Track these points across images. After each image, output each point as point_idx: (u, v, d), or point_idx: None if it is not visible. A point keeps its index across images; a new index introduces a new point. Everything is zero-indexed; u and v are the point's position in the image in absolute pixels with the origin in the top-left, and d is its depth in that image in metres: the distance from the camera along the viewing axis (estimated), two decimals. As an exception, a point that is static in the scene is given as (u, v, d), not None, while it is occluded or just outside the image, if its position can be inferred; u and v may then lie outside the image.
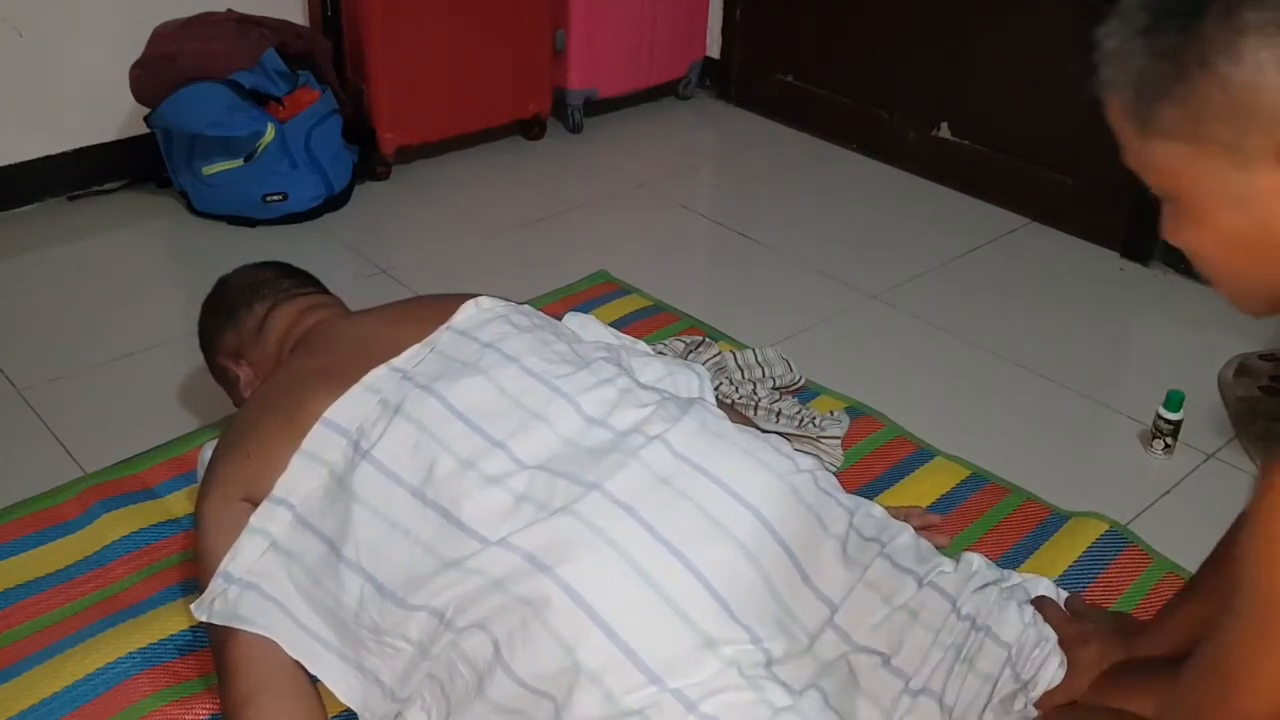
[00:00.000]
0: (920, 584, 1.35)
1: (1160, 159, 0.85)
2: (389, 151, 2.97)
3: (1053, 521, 1.76)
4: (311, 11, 3.00)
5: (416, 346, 1.46)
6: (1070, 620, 1.36)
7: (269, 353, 1.63)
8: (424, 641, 1.24)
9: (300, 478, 1.36)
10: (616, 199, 3.02)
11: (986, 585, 1.37)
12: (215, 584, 1.33)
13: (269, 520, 1.35)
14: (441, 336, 1.48)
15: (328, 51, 2.85)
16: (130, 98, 2.67)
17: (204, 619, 1.33)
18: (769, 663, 1.22)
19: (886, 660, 1.29)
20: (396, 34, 2.86)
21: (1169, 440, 1.97)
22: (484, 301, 1.55)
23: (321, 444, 1.37)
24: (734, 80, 3.57)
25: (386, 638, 1.26)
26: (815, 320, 2.42)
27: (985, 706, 1.28)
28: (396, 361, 1.44)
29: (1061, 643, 1.32)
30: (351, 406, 1.39)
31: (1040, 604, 1.39)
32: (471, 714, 1.20)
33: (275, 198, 2.70)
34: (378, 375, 1.42)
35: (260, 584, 1.33)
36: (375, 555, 1.28)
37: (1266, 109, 0.79)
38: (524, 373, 1.40)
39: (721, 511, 1.26)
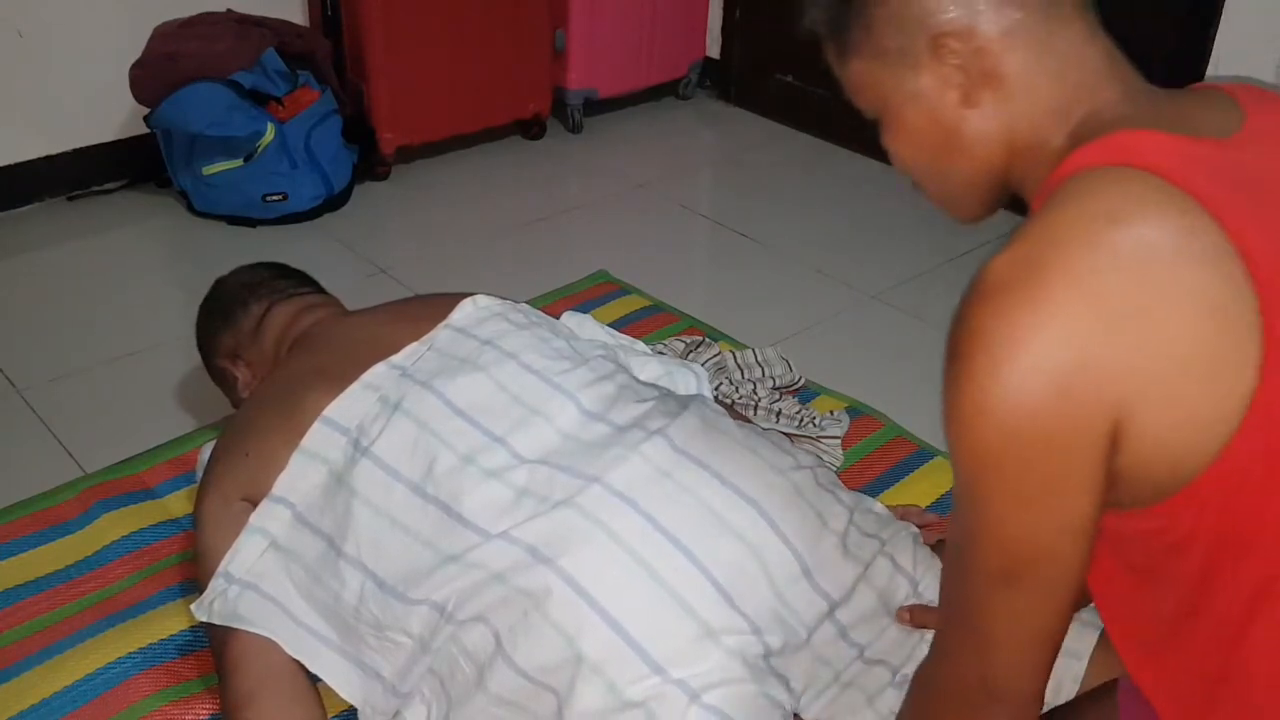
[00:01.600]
0: (914, 586, 1.35)
1: (856, 78, 0.96)
2: (389, 151, 2.97)
3: (1052, 521, 1.76)
4: (311, 11, 3.00)
5: (415, 344, 1.46)
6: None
7: (266, 353, 1.63)
8: (424, 636, 1.24)
9: (300, 476, 1.36)
10: (616, 199, 3.02)
11: None
12: (215, 584, 1.33)
13: (269, 519, 1.35)
14: (440, 334, 1.48)
15: (328, 51, 2.85)
16: (130, 98, 2.67)
17: (204, 619, 1.33)
18: (767, 654, 1.22)
19: (882, 661, 1.29)
20: (396, 34, 2.86)
21: (1169, 440, 1.97)
22: (481, 300, 1.55)
23: (321, 442, 1.37)
24: (734, 80, 3.57)
25: (387, 633, 1.26)
26: (815, 320, 2.42)
27: None
28: (395, 359, 1.44)
29: None
30: (351, 404, 1.39)
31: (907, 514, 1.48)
32: (473, 707, 1.21)
33: (275, 198, 2.70)
34: (376, 373, 1.42)
35: (259, 583, 1.33)
36: (376, 551, 1.29)
37: (914, 12, 0.89)
38: (523, 369, 1.41)
39: (723, 505, 1.26)
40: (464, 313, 1.52)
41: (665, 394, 1.44)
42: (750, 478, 1.30)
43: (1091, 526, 0.81)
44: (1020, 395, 0.76)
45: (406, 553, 1.27)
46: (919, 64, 0.90)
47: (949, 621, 0.92)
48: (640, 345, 1.77)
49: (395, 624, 1.25)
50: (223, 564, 1.34)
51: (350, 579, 1.29)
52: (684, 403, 1.39)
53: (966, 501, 0.83)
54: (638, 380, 1.47)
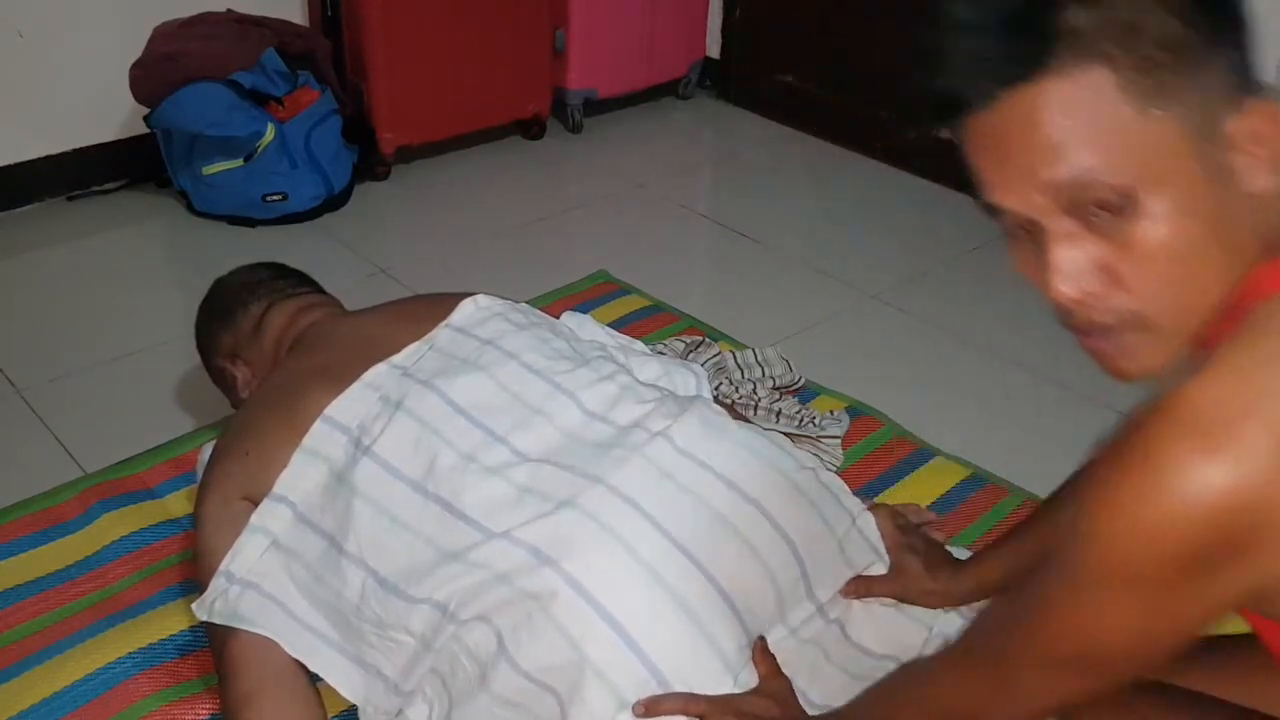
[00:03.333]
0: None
1: (1160, 135, 0.73)
2: (388, 151, 2.97)
3: (1053, 521, 1.76)
4: (311, 11, 3.00)
5: (416, 344, 1.47)
6: (903, 531, 1.42)
7: (266, 353, 1.63)
8: (426, 634, 1.24)
9: (301, 475, 1.36)
10: (616, 199, 3.02)
11: None
12: (216, 583, 1.33)
13: (270, 518, 1.35)
14: (440, 334, 1.48)
15: (328, 51, 2.85)
16: (130, 98, 2.67)
17: (204, 618, 1.33)
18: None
19: (892, 657, 1.28)
20: (396, 34, 2.86)
21: (1169, 440, 1.97)
22: (482, 300, 1.55)
23: (322, 441, 1.37)
24: (734, 80, 3.57)
25: (389, 631, 1.26)
26: (815, 320, 2.42)
27: None
28: (396, 359, 1.44)
29: (888, 548, 1.38)
30: (352, 404, 1.39)
31: (876, 511, 1.43)
32: (475, 706, 1.20)
33: (275, 198, 2.70)
34: (378, 372, 1.42)
35: (260, 583, 1.33)
36: (377, 549, 1.29)
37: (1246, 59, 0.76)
38: (524, 369, 1.41)
39: (725, 506, 1.26)
40: (464, 313, 1.52)
41: (666, 395, 1.44)
42: (752, 479, 1.30)
43: (1185, 646, 0.78)
44: (1180, 530, 0.72)
45: (408, 550, 1.27)
46: (1224, 128, 0.74)
47: (977, 660, 0.90)
48: (639, 345, 1.76)
49: (397, 622, 1.25)
50: (224, 563, 1.34)
51: (352, 577, 1.29)
52: (685, 404, 1.39)
53: (1064, 581, 0.79)
54: (639, 381, 1.47)
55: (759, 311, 2.42)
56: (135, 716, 1.35)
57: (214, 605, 1.32)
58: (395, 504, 1.30)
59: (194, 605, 1.34)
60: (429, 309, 1.54)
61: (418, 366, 1.42)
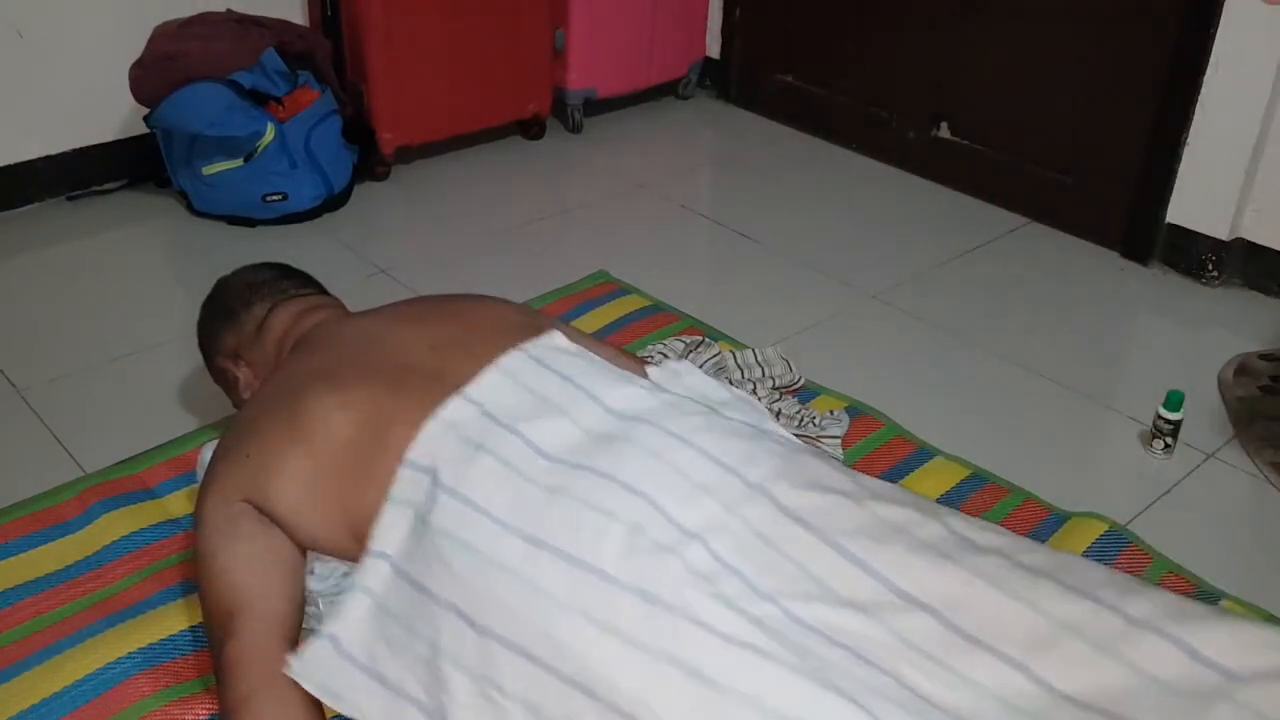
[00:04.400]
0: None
1: None
2: (388, 151, 2.97)
3: (1052, 521, 1.76)
4: (311, 11, 3.00)
5: (493, 374, 1.41)
6: None
7: (268, 354, 1.63)
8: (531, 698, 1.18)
9: (391, 525, 1.32)
10: (616, 199, 3.02)
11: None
12: (321, 644, 1.29)
13: (370, 576, 1.31)
14: (514, 361, 1.43)
15: (327, 51, 2.85)
16: (130, 98, 2.67)
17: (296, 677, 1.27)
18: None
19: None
20: (396, 34, 2.86)
21: (1169, 440, 1.97)
22: (559, 339, 1.49)
23: (406, 486, 1.33)
24: (734, 80, 3.57)
25: (483, 685, 1.20)
26: (815, 320, 2.42)
27: None
28: (471, 392, 1.38)
29: None
30: (429, 441, 1.34)
31: None
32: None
33: (275, 198, 2.70)
34: (455, 408, 1.37)
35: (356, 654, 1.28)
36: (468, 591, 1.24)
37: None
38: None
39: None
40: (547, 341, 1.47)
41: (793, 448, 1.40)
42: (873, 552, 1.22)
43: None
44: None
45: (507, 591, 1.22)
46: None
47: None
48: (735, 392, 1.65)
49: (491, 673, 1.20)
50: (328, 626, 1.29)
51: (444, 623, 1.24)
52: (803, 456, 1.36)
53: None
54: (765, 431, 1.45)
55: (759, 311, 2.42)
56: (135, 716, 1.35)
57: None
58: (481, 541, 1.25)
59: (291, 660, 1.28)
60: (431, 310, 1.54)
61: (496, 406, 1.37)
